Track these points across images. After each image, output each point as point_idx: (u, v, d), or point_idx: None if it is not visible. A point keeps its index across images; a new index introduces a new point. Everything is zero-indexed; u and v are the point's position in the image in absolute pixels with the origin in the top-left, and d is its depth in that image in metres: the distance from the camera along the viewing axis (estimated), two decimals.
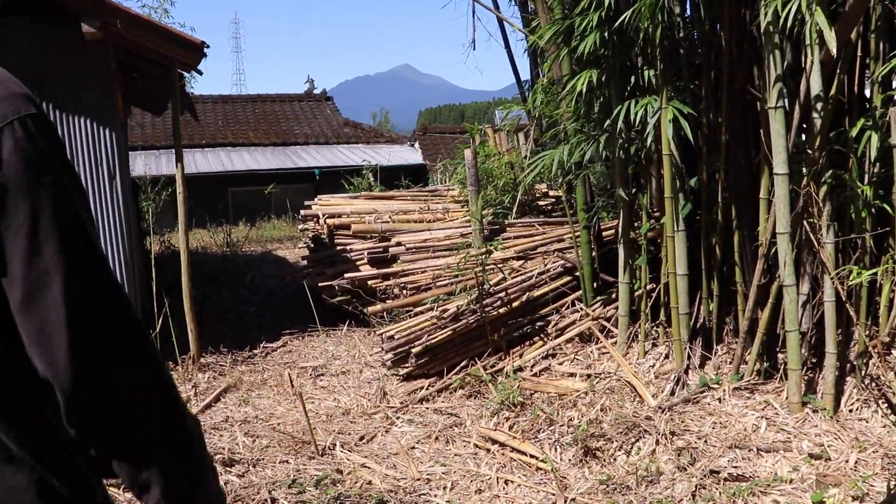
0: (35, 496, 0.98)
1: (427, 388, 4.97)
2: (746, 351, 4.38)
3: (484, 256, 5.09)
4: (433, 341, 5.02)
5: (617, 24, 4.02)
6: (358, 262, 6.58)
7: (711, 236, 4.69)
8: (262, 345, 6.35)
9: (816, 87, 3.74)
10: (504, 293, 5.32)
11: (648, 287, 5.00)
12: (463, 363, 5.16)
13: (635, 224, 5.14)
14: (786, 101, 3.82)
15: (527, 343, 5.36)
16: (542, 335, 5.36)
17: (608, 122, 4.43)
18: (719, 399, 4.25)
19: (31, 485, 0.98)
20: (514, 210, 6.61)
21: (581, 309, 5.44)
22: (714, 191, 4.61)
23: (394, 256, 6.18)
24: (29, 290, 0.92)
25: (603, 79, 4.41)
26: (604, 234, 5.77)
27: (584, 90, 4.26)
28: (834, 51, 3.26)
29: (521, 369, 5.11)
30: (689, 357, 4.58)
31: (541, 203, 7.23)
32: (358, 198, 7.73)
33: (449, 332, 5.07)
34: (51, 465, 1.00)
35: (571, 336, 5.27)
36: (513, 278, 5.43)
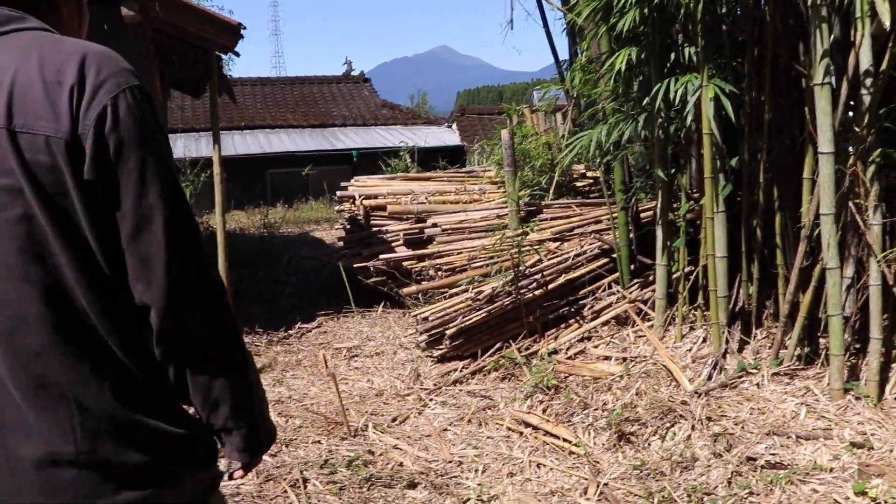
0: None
1: (461, 370, 4.95)
2: (786, 335, 4.27)
3: (520, 238, 5.03)
4: (467, 323, 5.00)
5: None
6: (394, 244, 6.58)
7: (752, 218, 4.57)
8: (297, 325, 6.40)
9: (866, 61, 3.60)
10: (540, 275, 5.26)
11: (686, 269, 4.90)
12: (497, 345, 5.13)
13: (674, 205, 5.03)
14: (832, 77, 3.68)
15: (562, 325, 5.30)
16: (577, 318, 5.30)
17: (647, 100, 4.32)
18: (757, 384, 4.15)
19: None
20: (552, 191, 6.53)
21: (618, 291, 5.36)
22: (755, 171, 4.48)
23: (429, 238, 6.16)
24: (137, 224, 1.12)
25: (642, 56, 4.31)
26: (641, 215, 5.68)
27: (623, 68, 4.16)
28: (887, 23, 3.12)
29: (555, 352, 5.06)
30: (727, 341, 4.48)
31: (578, 184, 7.14)
32: (394, 179, 7.72)
33: (483, 314, 5.04)
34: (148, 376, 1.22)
35: (607, 319, 5.21)
36: (549, 260, 5.36)
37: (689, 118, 4.18)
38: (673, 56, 4.40)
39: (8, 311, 1.12)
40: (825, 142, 3.63)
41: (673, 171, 4.70)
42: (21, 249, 1.11)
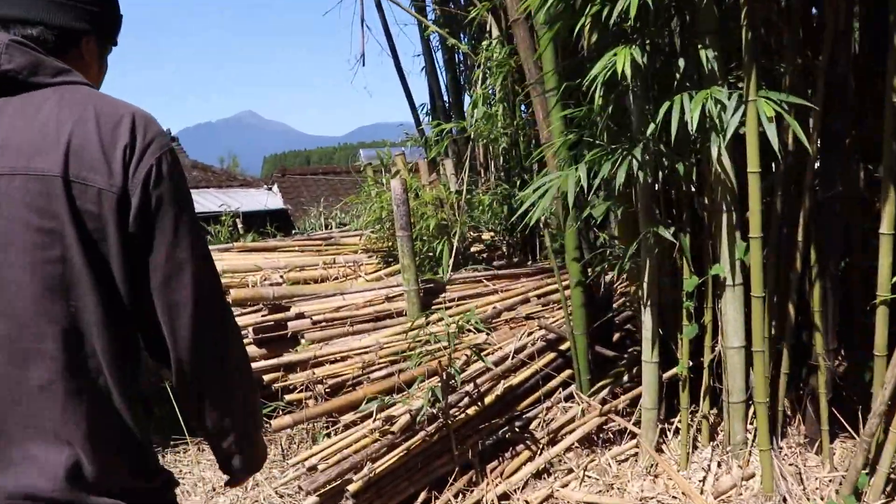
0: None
1: None
2: (869, 456, 2.95)
3: (451, 332, 3.38)
4: (379, 469, 3.24)
5: None
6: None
7: (788, 291, 3.28)
8: None
9: None
10: (472, 384, 3.64)
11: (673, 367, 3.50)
12: (422, 497, 3.40)
13: (659, 279, 3.64)
14: None
15: (507, 455, 3.69)
16: (527, 442, 3.71)
17: (652, 127, 2.90)
18: None
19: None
20: (451, 261, 4.96)
21: (578, 398, 3.85)
22: (790, 224, 3.21)
23: (294, 334, 4.34)
24: (168, 274, 1.22)
25: (643, 60, 2.89)
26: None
27: (629, 73, 2.71)
28: None
29: (506, 497, 3.44)
30: (780, 472, 3.09)
31: (472, 249, 5.64)
32: (229, 250, 5.78)
33: (400, 453, 3.31)
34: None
35: (572, 442, 3.66)
36: (480, 360, 3.76)
37: (717, 150, 2.81)
38: (682, 63, 3.04)
39: (22, 345, 1.15)
40: None
41: (672, 229, 3.30)
42: (48, 288, 1.15)
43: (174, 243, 1.21)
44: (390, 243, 5.35)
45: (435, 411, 3.38)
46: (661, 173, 3.12)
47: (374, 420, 3.39)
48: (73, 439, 1.15)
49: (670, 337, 3.64)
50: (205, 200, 15.93)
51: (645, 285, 3.41)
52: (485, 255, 5.57)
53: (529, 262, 5.32)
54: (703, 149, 3.13)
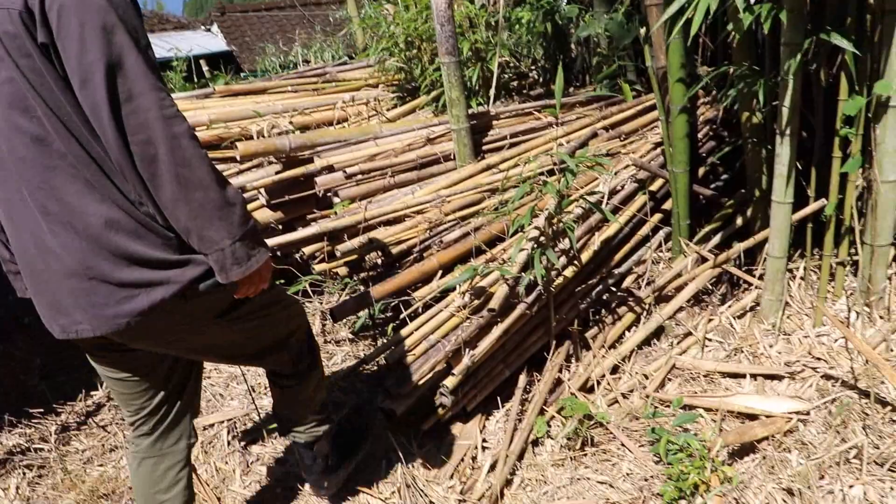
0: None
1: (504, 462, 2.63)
2: None
3: (561, 179, 2.68)
4: (479, 353, 2.65)
5: None
6: (252, 206, 3.89)
7: None
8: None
9: None
10: (566, 239, 3.00)
11: (814, 206, 2.92)
12: (521, 379, 2.85)
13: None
14: None
15: (606, 319, 3.13)
16: (629, 303, 3.15)
17: None
18: None
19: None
20: (492, 93, 4.17)
21: (685, 247, 3.26)
22: None
23: (325, 193, 3.59)
24: (83, 79, 1.28)
25: None
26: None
27: None
28: None
29: (615, 370, 2.92)
30: None
31: (506, 78, 4.82)
32: (210, 96, 4.83)
33: (500, 333, 2.71)
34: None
35: (683, 300, 3.11)
36: (574, 208, 3.11)
37: None
38: None
39: (15, 156, 1.36)
40: None
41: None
42: (10, 105, 1.34)
43: (82, 48, 1.26)
44: (402, 75, 4.52)
45: (532, 277, 2.75)
46: None
47: (463, 294, 2.76)
48: (76, 222, 1.40)
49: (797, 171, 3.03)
50: None
51: (785, 110, 2.73)
52: (515, 84, 4.77)
53: (570, 89, 4.57)
54: None
